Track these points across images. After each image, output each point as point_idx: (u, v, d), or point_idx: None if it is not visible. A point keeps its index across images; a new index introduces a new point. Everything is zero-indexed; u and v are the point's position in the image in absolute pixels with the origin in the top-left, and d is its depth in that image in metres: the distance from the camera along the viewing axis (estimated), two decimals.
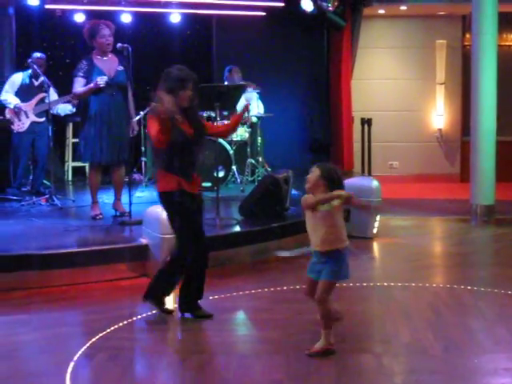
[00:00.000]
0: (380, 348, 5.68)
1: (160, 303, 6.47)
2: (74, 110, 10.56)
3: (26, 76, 10.54)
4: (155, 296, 6.44)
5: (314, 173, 5.43)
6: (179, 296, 6.47)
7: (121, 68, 8.75)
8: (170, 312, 6.51)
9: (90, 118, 8.74)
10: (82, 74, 8.70)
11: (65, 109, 10.73)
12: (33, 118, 10.43)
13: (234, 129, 7.18)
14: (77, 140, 12.24)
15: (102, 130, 8.71)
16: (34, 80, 10.49)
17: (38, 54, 10.56)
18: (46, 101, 10.16)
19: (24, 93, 10.48)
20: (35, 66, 10.28)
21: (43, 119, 10.46)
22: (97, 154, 8.77)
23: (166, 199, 6.33)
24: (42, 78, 10.33)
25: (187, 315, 6.43)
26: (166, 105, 6.02)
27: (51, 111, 10.36)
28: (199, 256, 6.37)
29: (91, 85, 8.59)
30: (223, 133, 7.19)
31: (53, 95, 10.41)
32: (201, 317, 6.39)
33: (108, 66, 8.77)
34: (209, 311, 6.44)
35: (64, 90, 10.00)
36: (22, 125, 10.42)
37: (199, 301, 6.46)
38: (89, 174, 9.43)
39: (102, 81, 8.56)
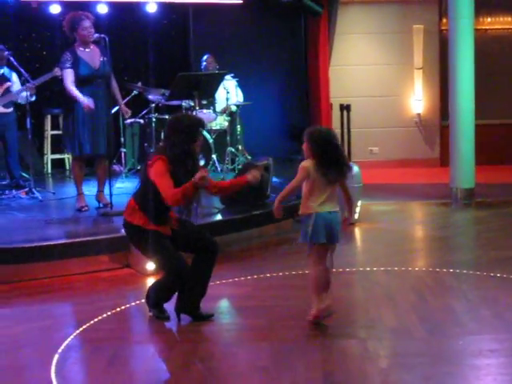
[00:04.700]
0: (364, 333, 5.69)
1: (161, 310, 6.16)
2: (33, 98, 10.20)
3: None
4: (154, 304, 6.17)
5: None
6: (179, 294, 6.09)
7: (104, 58, 8.75)
8: (167, 319, 6.12)
9: (73, 110, 8.71)
10: (69, 65, 8.66)
11: (22, 97, 10.16)
12: (0, 109, 10.20)
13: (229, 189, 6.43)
14: (55, 132, 12.32)
15: (86, 123, 8.70)
16: None
17: None
18: (12, 90, 10.09)
19: None
20: None
21: (11, 109, 10.29)
22: (81, 147, 8.76)
23: (136, 231, 6.01)
24: (2, 70, 10.18)
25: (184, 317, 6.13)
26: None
27: (16, 100, 10.20)
28: (206, 252, 6.04)
29: (84, 101, 8.52)
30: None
31: (17, 84, 10.26)
32: (201, 318, 6.11)
33: (92, 58, 8.76)
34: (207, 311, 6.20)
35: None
36: None
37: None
38: (72, 167, 9.39)
39: (87, 108, 8.54)
